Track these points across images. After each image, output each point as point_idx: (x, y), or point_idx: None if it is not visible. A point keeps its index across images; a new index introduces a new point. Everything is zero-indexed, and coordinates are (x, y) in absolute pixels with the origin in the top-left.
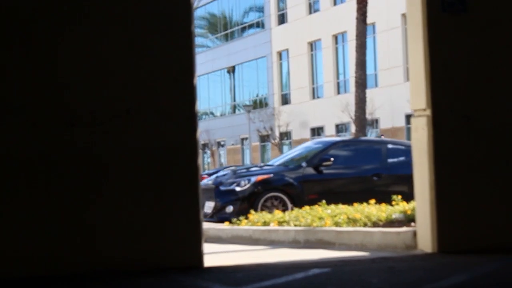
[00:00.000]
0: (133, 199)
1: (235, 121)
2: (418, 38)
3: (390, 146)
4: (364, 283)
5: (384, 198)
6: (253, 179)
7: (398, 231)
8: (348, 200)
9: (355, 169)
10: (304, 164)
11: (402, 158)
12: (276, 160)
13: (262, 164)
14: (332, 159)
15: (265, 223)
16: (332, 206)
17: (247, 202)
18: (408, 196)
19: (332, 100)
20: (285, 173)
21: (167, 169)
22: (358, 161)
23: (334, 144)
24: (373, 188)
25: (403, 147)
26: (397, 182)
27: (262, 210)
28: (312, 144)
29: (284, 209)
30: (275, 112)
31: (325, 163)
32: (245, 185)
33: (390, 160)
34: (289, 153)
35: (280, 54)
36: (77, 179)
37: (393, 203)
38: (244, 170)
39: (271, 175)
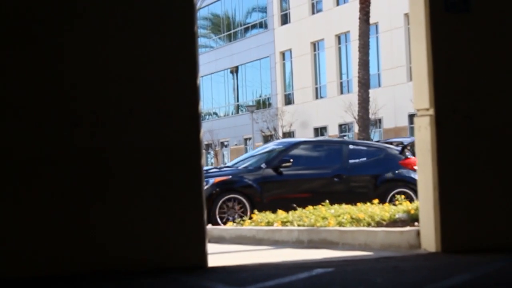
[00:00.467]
0: (136, 199)
1: (239, 121)
2: (421, 38)
3: (351, 147)
4: (368, 282)
5: (345, 199)
6: (211, 180)
7: (401, 231)
8: (308, 202)
9: (315, 170)
10: (263, 165)
11: (363, 159)
12: (236, 161)
13: (222, 165)
14: (291, 160)
15: (269, 223)
16: (336, 206)
17: (206, 204)
18: (369, 197)
19: (335, 100)
20: (244, 174)
21: (170, 169)
22: (319, 162)
23: (294, 145)
24: (334, 189)
25: (364, 148)
26: (358, 183)
27: (220, 212)
28: (273, 145)
29: (243, 211)
30: (278, 112)
31: (284, 164)
32: None
33: (351, 161)
34: (250, 154)
35: (283, 54)
36: (79, 179)
37: (397, 202)
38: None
39: (230, 176)
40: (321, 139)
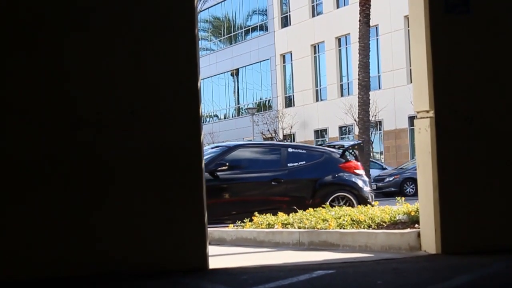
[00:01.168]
0: (138, 201)
1: (239, 124)
2: (421, 39)
3: (290, 150)
4: (368, 284)
5: (283, 203)
6: None
7: (402, 232)
8: (245, 206)
9: (253, 174)
10: None
11: (302, 163)
12: None
13: None
14: (227, 164)
15: (269, 225)
16: (336, 208)
17: None
18: (308, 201)
19: (336, 102)
20: None
21: (172, 171)
22: (257, 166)
23: (232, 148)
24: (272, 194)
25: (304, 151)
26: (296, 187)
27: None
28: (209, 148)
29: None
30: (279, 114)
31: (220, 168)
32: None
33: (290, 164)
34: None
35: (283, 56)
36: (82, 180)
37: (397, 204)
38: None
39: None
40: (259, 143)
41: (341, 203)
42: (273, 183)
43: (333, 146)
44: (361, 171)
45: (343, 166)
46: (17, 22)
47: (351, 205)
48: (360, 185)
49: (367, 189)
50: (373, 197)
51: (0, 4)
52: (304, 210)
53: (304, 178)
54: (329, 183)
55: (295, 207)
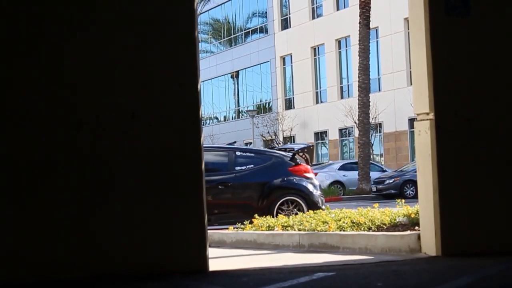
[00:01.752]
0: (138, 204)
1: (239, 126)
2: (421, 41)
3: (238, 153)
4: (368, 286)
5: (230, 207)
6: None
7: (402, 235)
8: None
9: None
10: None
11: (250, 166)
12: None
13: None
14: None
15: (269, 228)
16: (336, 210)
17: None
18: (256, 205)
19: (336, 104)
20: None
21: (172, 173)
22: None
23: None
24: (219, 197)
25: (252, 155)
26: (244, 191)
27: None
28: None
29: None
30: (279, 116)
31: None
32: None
33: (238, 168)
34: None
35: (283, 59)
36: (82, 182)
37: (397, 206)
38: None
39: None
40: (207, 146)
41: (290, 207)
42: (220, 186)
43: (284, 150)
44: (311, 175)
45: (293, 169)
46: (17, 23)
47: (301, 209)
48: (310, 189)
49: (317, 193)
50: (323, 201)
51: (0, 4)
52: (252, 214)
53: (252, 181)
54: (277, 187)
55: (295, 210)
